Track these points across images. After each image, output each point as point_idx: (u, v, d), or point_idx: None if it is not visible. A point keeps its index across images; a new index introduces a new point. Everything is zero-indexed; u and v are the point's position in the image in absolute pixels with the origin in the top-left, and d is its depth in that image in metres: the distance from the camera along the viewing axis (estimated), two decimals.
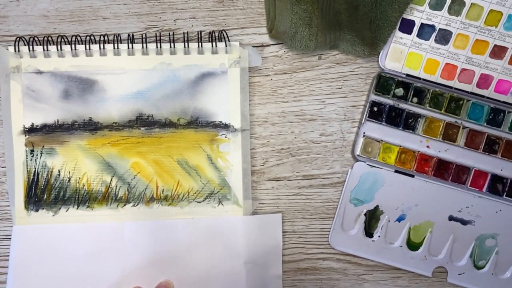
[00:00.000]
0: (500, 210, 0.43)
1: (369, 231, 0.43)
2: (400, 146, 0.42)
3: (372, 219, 0.43)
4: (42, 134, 0.41)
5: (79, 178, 0.41)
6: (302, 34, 0.39)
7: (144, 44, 0.41)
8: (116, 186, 0.41)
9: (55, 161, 0.41)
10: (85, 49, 0.40)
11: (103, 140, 0.41)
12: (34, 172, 0.41)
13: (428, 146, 0.42)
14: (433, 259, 0.43)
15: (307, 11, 0.38)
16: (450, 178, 0.42)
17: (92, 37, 0.41)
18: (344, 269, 0.44)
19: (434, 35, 0.41)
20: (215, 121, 0.41)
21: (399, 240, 0.43)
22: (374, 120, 0.42)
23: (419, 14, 0.41)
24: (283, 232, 0.43)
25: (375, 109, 0.42)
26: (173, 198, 0.42)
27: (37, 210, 0.41)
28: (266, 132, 0.43)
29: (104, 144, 0.41)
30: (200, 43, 0.41)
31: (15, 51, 0.40)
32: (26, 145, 0.40)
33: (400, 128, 0.42)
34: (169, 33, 0.41)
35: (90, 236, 0.41)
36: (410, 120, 0.42)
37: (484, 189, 0.42)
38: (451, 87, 0.42)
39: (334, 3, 0.40)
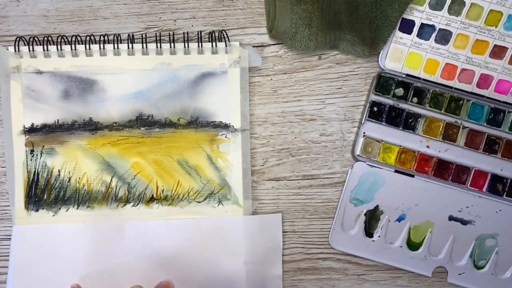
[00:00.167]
0: (500, 210, 0.43)
1: (369, 231, 0.43)
2: (400, 146, 0.42)
3: (372, 219, 0.43)
4: (42, 134, 0.41)
5: (79, 178, 0.41)
6: (302, 34, 0.39)
7: (144, 44, 0.41)
8: (116, 186, 0.41)
9: (55, 161, 0.41)
10: (85, 49, 0.40)
11: (103, 140, 0.41)
12: (34, 172, 0.41)
13: (428, 146, 0.42)
14: (433, 259, 0.43)
15: (307, 11, 0.38)
16: (450, 178, 0.42)
17: (92, 37, 0.41)
18: (344, 269, 0.44)
19: (434, 35, 0.41)
20: (215, 121, 0.41)
21: (399, 240, 0.43)
22: (374, 120, 0.42)
23: (419, 14, 0.41)
24: (283, 232, 0.43)
25: (375, 109, 0.42)
26: (173, 198, 0.42)
27: (37, 210, 0.41)
28: (266, 132, 0.43)
29: (104, 144, 0.41)
30: (200, 43, 0.41)
31: (15, 51, 0.40)
32: (26, 145, 0.40)
33: (400, 128, 0.42)
34: (169, 33, 0.41)
35: (90, 236, 0.41)
36: (410, 120, 0.42)
37: (484, 189, 0.42)
38: (451, 87, 0.42)
39: (334, 3, 0.40)
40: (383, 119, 0.42)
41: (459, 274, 0.43)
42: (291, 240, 0.44)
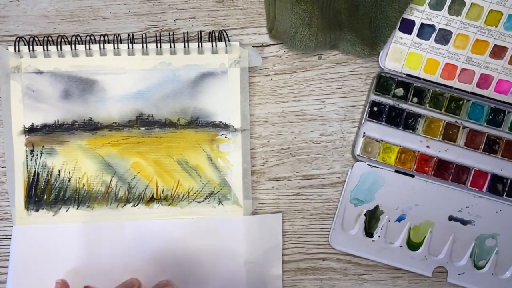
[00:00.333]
0: (500, 210, 0.43)
1: (369, 231, 0.43)
2: (400, 146, 0.42)
3: (372, 219, 0.43)
4: (42, 134, 0.41)
5: (79, 178, 0.41)
6: (302, 34, 0.39)
7: (144, 44, 0.41)
8: (116, 186, 0.41)
9: (55, 161, 0.41)
10: (85, 49, 0.40)
11: (103, 140, 0.41)
12: (34, 172, 0.41)
13: (428, 146, 0.42)
14: (433, 259, 0.43)
15: (307, 11, 0.38)
16: (450, 178, 0.42)
17: (92, 37, 0.41)
18: (344, 269, 0.44)
19: (434, 35, 0.41)
20: (215, 121, 0.41)
21: (399, 240, 0.43)
22: (374, 120, 0.42)
23: (419, 14, 0.41)
24: (283, 232, 0.43)
25: (375, 109, 0.42)
26: (173, 198, 0.42)
27: (37, 210, 0.41)
28: (266, 132, 0.43)
29: (104, 144, 0.41)
30: (200, 43, 0.41)
31: (15, 51, 0.40)
32: (26, 145, 0.40)
33: (400, 128, 0.42)
34: (169, 33, 0.41)
35: (90, 236, 0.41)
36: (410, 120, 0.42)
37: (484, 189, 0.42)
38: (451, 87, 0.42)
39: (334, 3, 0.40)
40: (383, 119, 0.42)
41: (459, 274, 0.43)
42: (291, 240, 0.44)
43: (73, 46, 0.40)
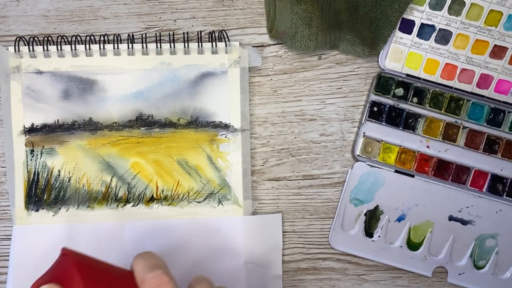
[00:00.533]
0: (500, 210, 0.43)
1: (369, 231, 0.43)
2: (400, 146, 0.42)
3: (372, 219, 0.43)
4: (42, 134, 0.41)
5: (79, 178, 0.41)
6: (302, 34, 0.39)
7: (144, 44, 0.41)
8: (116, 186, 0.41)
9: (55, 161, 0.41)
10: (85, 49, 0.40)
11: (103, 140, 0.41)
12: (34, 172, 0.41)
13: (428, 146, 0.42)
14: (433, 259, 0.43)
15: (307, 11, 0.38)
16: (450, 178, 0.42)
17: (92, 37, 0.41)
18: (344, 269, 0.44)
19: (434, 35, 0.41)
20: (215, 121, 0.41)
21: (399, 240, 0.43)
22: (374, 120, 0.42)
23: (419, 14, 0.41)
24: (283, 232, 0.43)
25: (375, 109, 0.42)
26: (173, 198, 0.42)
27: (37, 210, 0.41)
28: (266, 132, 0.43)
29: (104, 144, 0.41)
30: (200, 43, 0.41)
31: (15, 51, 0.40)
32: (26, 145, 0.40)
33: (400, 128, 0.42)
34: (169, 33, 0.41)
35: (90, 236, 0.41)
36: (410, 120, 0.42)
37: (484, 189, 0.42)
38: (451, 87, 0.42)
39: (334, 3, 0.40)
40: (383, 119, 0.42)
41: (459, 274, 0.43)
42: (291, 240, 0.44)
43: (73, 46, 0.40)
